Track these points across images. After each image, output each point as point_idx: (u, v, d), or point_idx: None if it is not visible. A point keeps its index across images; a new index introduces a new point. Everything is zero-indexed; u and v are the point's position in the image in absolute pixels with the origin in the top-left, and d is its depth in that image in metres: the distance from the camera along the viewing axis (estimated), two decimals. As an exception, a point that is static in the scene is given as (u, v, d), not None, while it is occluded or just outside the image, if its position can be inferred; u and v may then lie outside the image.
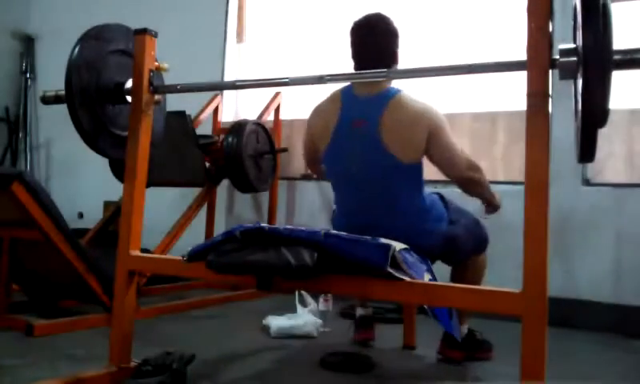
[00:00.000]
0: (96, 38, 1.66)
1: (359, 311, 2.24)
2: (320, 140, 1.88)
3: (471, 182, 1.83)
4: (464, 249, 1.89)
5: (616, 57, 1.06)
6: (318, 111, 1.93)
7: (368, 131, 1.74)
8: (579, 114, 1.10)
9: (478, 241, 1.95)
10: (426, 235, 1.76)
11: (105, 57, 1.67)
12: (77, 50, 1.61)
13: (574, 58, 1.13)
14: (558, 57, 1.16)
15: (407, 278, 1.24)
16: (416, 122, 1.74)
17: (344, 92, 1.86)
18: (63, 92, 1.61)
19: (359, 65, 1.85)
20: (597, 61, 1.04)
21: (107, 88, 1.67)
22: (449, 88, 3.15)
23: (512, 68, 1.27)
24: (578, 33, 1.12)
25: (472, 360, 2.00)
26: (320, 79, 1.49)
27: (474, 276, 1.93)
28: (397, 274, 1.22)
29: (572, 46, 1.16)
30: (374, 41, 1.83)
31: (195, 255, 1.42)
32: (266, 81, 1.72)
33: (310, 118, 1.96)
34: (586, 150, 1.12)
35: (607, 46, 1.04)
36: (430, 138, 1.74)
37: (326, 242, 1.26)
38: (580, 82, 1.10)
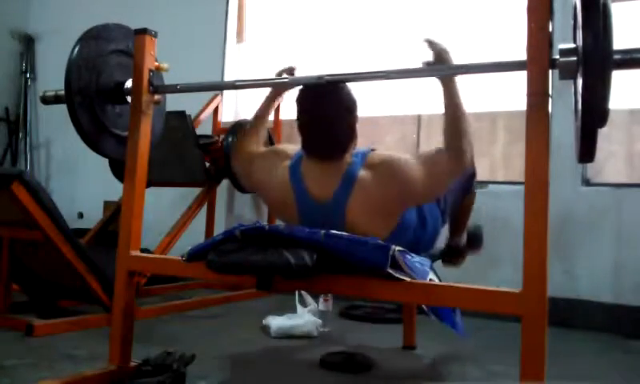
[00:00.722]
0: (96, 38, 1.66)
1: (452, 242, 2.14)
2: (282, 215, 1.65)
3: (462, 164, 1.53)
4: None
5: (616, 57, 1.06)
6: (270, 184, 1.61)
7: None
8: (579, 114, 1.10)
9: (465, 186, 1.87)
10: (430, 243, 1.76)
11: (104, 57, 1.67)
12: (76, 49, 1.61)
13: (574, 58, 1.13)
14: (557, 57, 1.16)
15: (407, 279, 1.24)
16: (386, 206, 1.49)
17: (295, 183, 1.54)
18: (63, 92, 1.62)
19: (314, 153, 1.53)
20: (597, 61, 1.04)
21: (107, 88, 1.67)
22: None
23: (512, 68, 1.27)
24: (577, 33, 1.12)
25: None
26: (319, 79, 1.49)
27: (464, 215, 1.95)
28: (397, 275, 1.21)
29: (572, 45, 1.16)
30: (326, 126, 1.49)
31: (194, 255, 1.42)
32: (266, 81, 1.72)
33: (262, 184, 1.66)
34: (586, 150, 1.12)
35: (607, 45, 1.04)
36: (409, 204, 1.55)
37: (325, 242, 1.26)
38: (580, 81, 1.10)
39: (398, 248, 1.27)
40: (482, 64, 1.37)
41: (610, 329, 2.64)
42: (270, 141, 3.31)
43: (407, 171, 1.48)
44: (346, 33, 3.67)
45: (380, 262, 1.20)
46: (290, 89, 1.67)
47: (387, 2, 3.59)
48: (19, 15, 4.96)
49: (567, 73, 1.15)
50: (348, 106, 1.52)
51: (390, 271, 1.20)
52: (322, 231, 1.28)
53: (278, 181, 1.57)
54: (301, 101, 1.54)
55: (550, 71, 1.16)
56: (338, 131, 1.51)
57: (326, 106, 1.49)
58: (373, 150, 1.61)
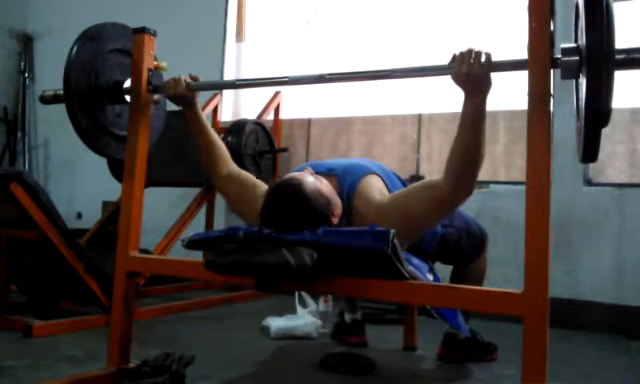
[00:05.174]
0: (94, 38, 1.65)
1: (348, 316, 2.24)
2: None
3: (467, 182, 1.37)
4: (460, 248, 1.84)
5: (618, 56, 1.06)
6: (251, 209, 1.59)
7: None
8: (582, 114, 1.10)
9: (475, 239, 1.88)
10: (428, 246, 1.74)
11: (103, 56, 1.66)
12: (75, 49, 1.60)
13: (576, 58, 1.13)
14: (559, 56, 1.15)
15: (408, 274, 1.22)
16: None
17: None
18: (62, 91, 1.61)
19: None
20: (600, 60, 1.03)
21: (106, 88, 1.66)
22: (449, 87, 3.14)
23: (513, 67, 1.26)
24: (580, 32, 1.11)
25: (473, 360, 1.99)
26: (320, 78, 1.48)
27: (476, 280, 1.90)
28: (397, 265, 1.19)
29: (574, 45, 1.16)
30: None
31: (195, 243, 1.41)
32: (266, 80, 1.71)
33: (240, 207, 1.67)
34: (589, 150, 1.11)
35: (610, 45, 1.04)
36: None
37: (325, 239, 1.25)
38: (581, 81, 1.09)
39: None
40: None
41: (612, 329, 2.63)
42: (270, 141, 3.30)
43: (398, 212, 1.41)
44: (347, 32, 3.66)
45: (380, 245, 1.18)
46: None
47: (388, 1, 3.59)
48: (18, 15, 4.95)
49: (569, 72, 1.15)
50: (313, 210, 1.38)
51: (391, 255, 1.17)
52: (322, 229, 1.28)
53: (256, 210, 1.51)
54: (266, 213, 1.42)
55: (552, 70, 1.15)
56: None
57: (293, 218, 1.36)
58: (352, 190, 1.51)
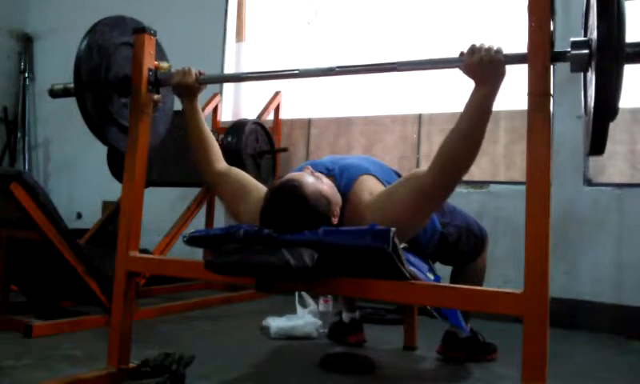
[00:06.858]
0: (108, 28, 1.64)
1: (347, 315, 2.24)
2: None
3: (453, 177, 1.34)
4: (460, 248, 1.83)
5: (628, 49, 1.06)
6: (244, 210, 1.59)
7: None
8: (589, 108, 1.10)
9: (475, 239, 1.88)
10: (427, 245, 1.73)
11: (115, 48, 1.65)
12: (86, 41, 1.59)
13: (586, 51, 1.14)
14: (569, 50, 1.16)
15: (407, 274, 1.22)
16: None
17: None
18: (72, 85, 1.60)
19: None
20: (611, 52, 1.04)
21: (115, 79, 1.65)
22: (449, 87, 3.14)
23: (513, 61, 1.25)
24: (589, 26, 1.12)
25: (473, 360, 1.99)
26: (329, 70, 1.48)
27: (475, 280, 1.89)
28: (398, 264, 1.19)
29: (584, 38, 1.17)
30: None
31: (195, 240, 1.41)
32: (274, 73, 1.68)
33: (233, 206, 1.64)
34: (597, 143, 1.11)
35: (621, 38, 1.05)
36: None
37: (325, 239, 1.25)
38: (590, 75, 1.10)
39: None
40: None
41: (612, 329, 2.63)
42: (270, 141, 3.30)
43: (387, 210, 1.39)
44: (347, 31, 3.66)
45: (381, 244, 1.17)
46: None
47: (388, 0, 3.59)
48: (18, 14, 4.95)
49: (578, 65, 1.15)
50: (312, 211, 1.37)
51: (392, 254, 1.17)
52: (322, 229, 1.27)
53: (253, 210, 1.51)
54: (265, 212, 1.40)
55: (552, 71, 1.15)
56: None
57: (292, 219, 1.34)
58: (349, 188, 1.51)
